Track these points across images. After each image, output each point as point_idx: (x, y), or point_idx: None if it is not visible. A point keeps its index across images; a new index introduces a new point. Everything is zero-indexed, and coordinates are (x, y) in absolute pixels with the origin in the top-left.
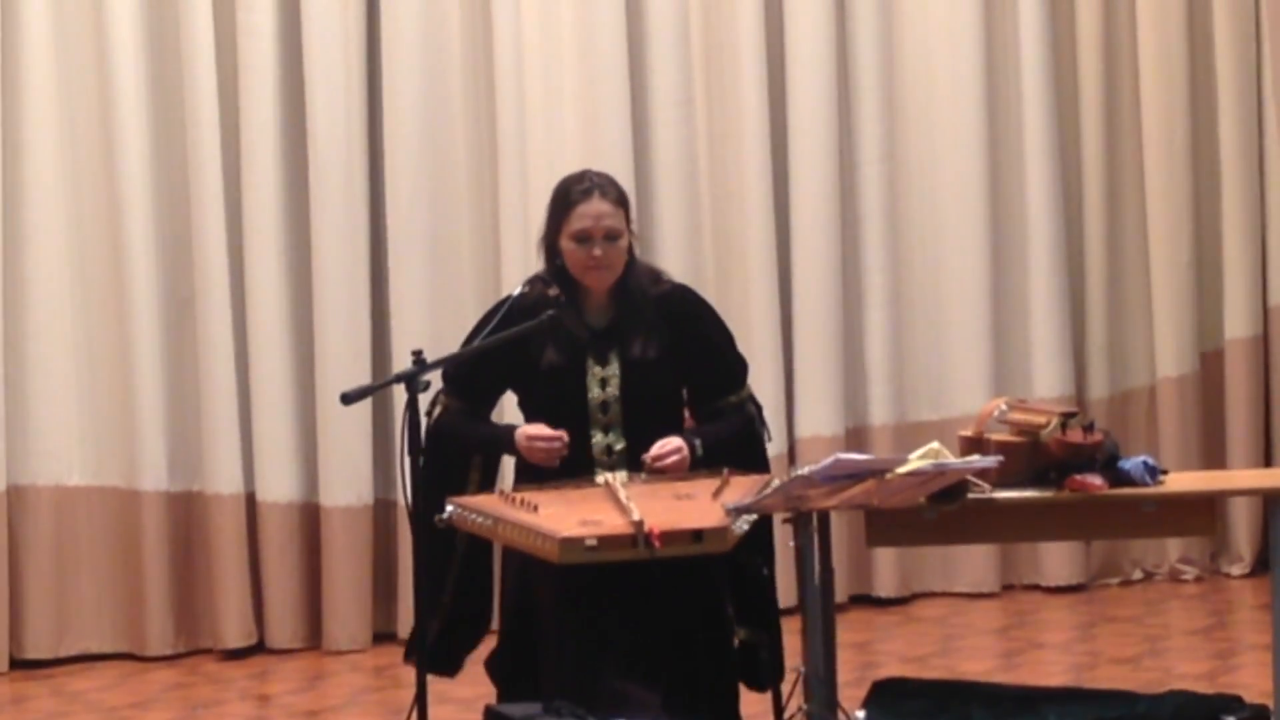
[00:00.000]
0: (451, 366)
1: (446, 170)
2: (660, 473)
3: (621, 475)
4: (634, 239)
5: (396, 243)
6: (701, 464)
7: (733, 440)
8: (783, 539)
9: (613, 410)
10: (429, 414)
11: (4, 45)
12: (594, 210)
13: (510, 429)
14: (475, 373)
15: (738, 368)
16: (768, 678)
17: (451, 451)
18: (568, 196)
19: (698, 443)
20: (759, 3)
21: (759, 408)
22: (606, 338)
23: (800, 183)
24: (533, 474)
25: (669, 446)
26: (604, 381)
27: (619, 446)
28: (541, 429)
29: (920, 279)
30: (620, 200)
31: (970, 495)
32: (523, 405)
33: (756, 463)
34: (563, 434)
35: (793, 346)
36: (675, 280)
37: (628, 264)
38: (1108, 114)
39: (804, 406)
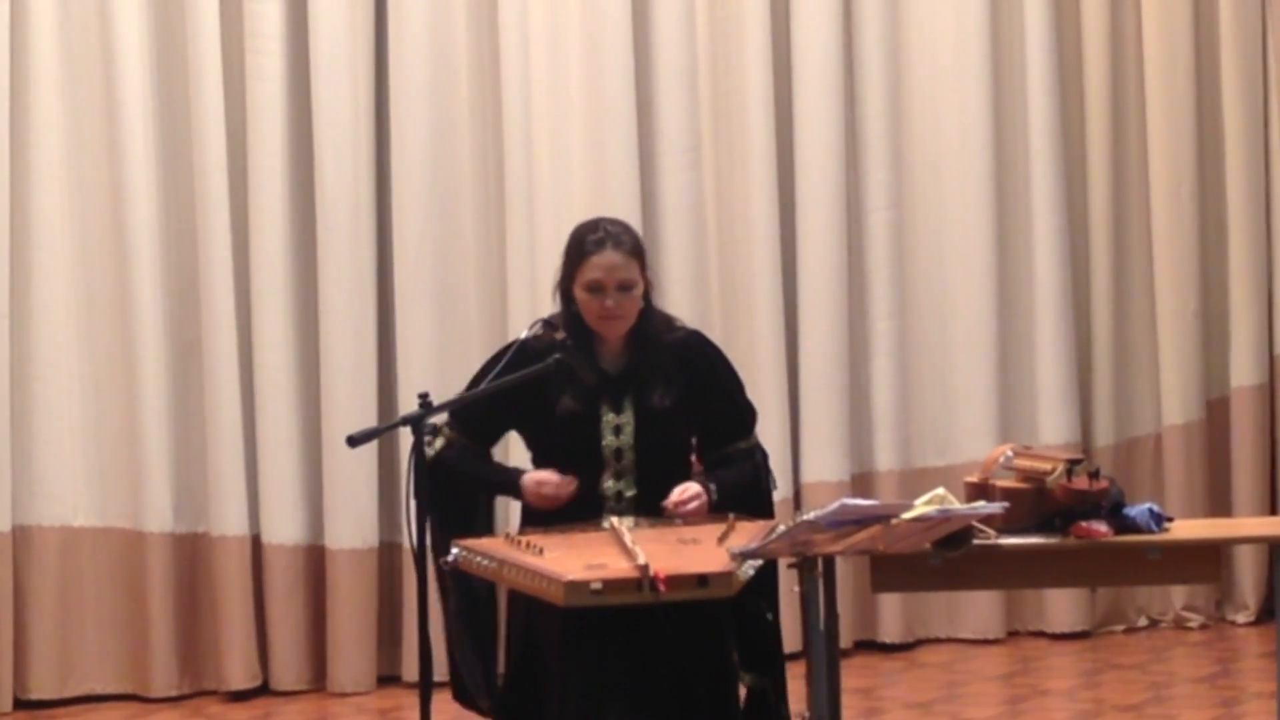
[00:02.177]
0: (459, 404)
1: (454, 215)
2: (681, 518)
3: (628, 520)
4: (650, 286)
5: (403, 287)
6: (715, 509)
7: (743, 488)
8: (788, 584)
9: (626, 457)
10: (429, 444)
11: (13, 88)
12: (607, 262)
13: (518, 474)
14: (485, 414)
15: (747, 415)
16: None
17: (455, 486)
18: (582, 246)
19: (713, 488)
20: (767, 50)
21: (765, 456)
22: (621, 384)
23: (807, 229)
24: (539, 517)
25: (689, 492)
26: (618, 428)
27: (629, 493)
28: (551, 475)
29: (927, 325)
30: (634, 250)
31: (975, 541)
32: (533, 449)
33: (763, 512)
34: (571, 480)
35: (799, 392)
36: (688, 326)
37: (643, 311)
38: (1114, 163)
39: (810, 452)
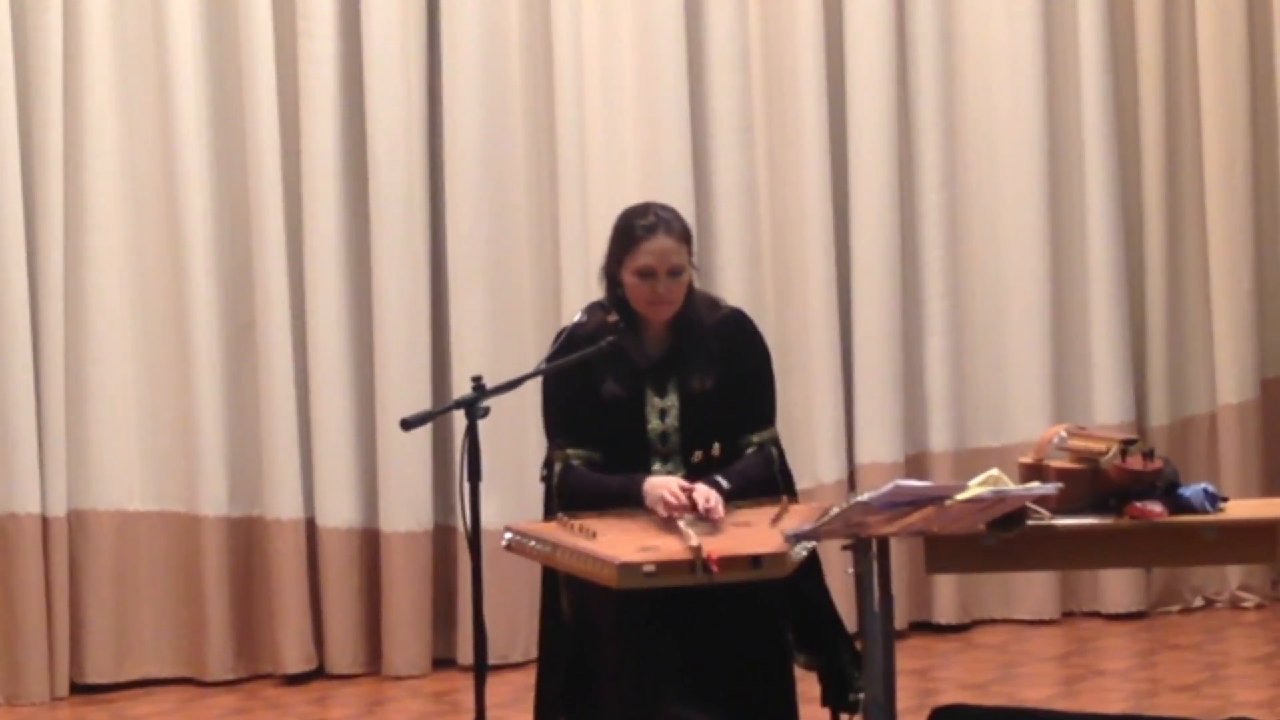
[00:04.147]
0: (551, 421)
1: (507, 196)
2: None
3: None
4: (694, 272)
5: (457, 269)
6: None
7: (754, 485)
8: (842, 565)
9: (671, 441)
10: (545, 476)
11: (66, 73)
12: (659, 247)
13: (640, 480)
14: (570, 410)
15: (769, 406)
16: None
17: (585, 508)
18: (632, 231)
19: (726, 486)
20: (819, 29)
21: (781, 453)
22: (664, 368)
23: (860, 209)
24: None
25: (713, 500)
26: (663, 412)
27: (679, 475)
28: (669, 484)
29: (980, 305)
30: (684, 235)
31: (1030, 522)
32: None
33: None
34: (685, 498)
35: (853, 373)
36: (731, 305)
37: (686, 295)
38: (1168, 142)
39: (864, 433)
